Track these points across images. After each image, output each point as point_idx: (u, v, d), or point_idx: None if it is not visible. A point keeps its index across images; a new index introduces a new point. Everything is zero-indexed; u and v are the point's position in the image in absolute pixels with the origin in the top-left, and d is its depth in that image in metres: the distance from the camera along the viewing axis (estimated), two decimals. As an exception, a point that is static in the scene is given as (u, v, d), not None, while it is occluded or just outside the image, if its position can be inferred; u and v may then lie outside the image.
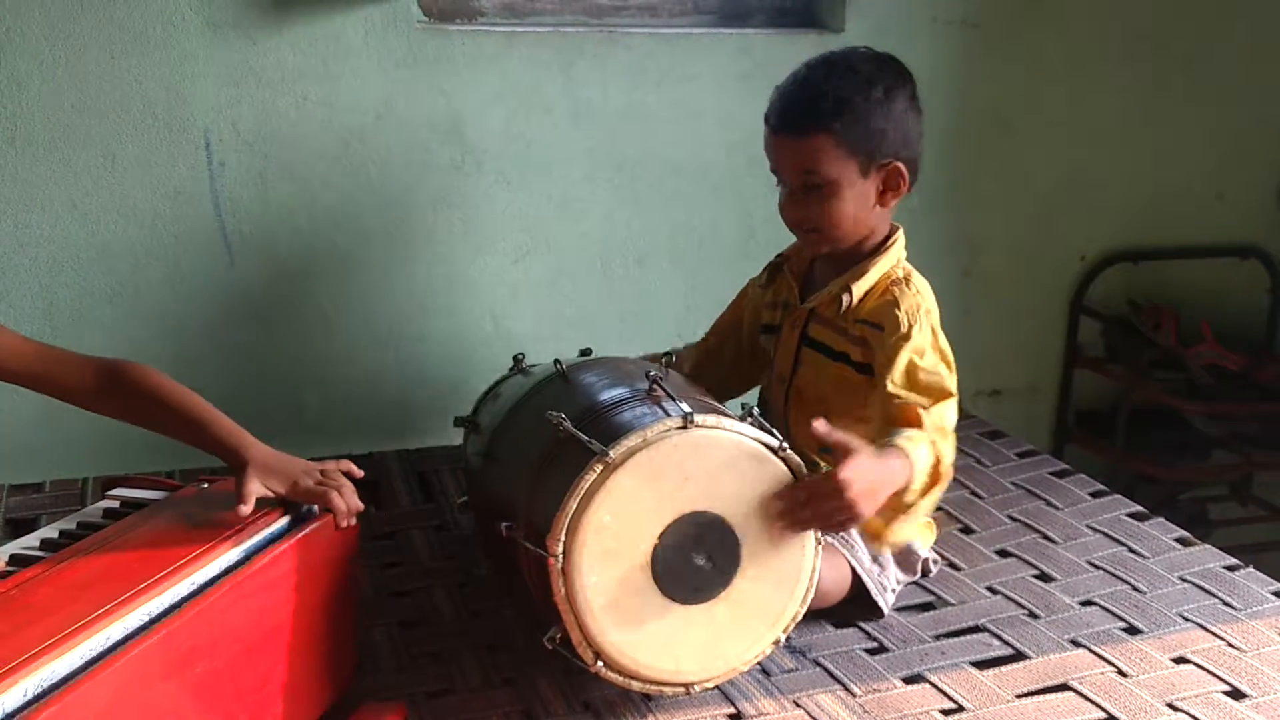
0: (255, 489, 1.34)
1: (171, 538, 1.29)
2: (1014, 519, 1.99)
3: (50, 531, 1.37)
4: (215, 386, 1.57)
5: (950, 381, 1.63)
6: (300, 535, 1.33)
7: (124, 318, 2.08)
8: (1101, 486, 2.10)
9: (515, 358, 1.93)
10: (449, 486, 2.11)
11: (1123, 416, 2.63)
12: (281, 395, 2.20)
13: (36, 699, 1.00)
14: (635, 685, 1.41)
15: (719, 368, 1.98)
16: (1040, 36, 2.50)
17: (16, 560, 1.27)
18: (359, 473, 1.45)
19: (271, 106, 2.06)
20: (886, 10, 2.36)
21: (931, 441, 1.53)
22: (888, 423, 1.58)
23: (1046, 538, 1.93)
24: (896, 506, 1.52)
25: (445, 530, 1.96)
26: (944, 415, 1.59)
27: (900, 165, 1.69)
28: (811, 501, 1.41)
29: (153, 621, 1.14)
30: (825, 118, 1.64)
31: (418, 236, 2.22)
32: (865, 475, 1.41)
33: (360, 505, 1.41)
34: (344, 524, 1.38)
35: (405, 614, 1.69)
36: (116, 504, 1.45)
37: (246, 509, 1.32)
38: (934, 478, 1.53)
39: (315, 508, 1.38)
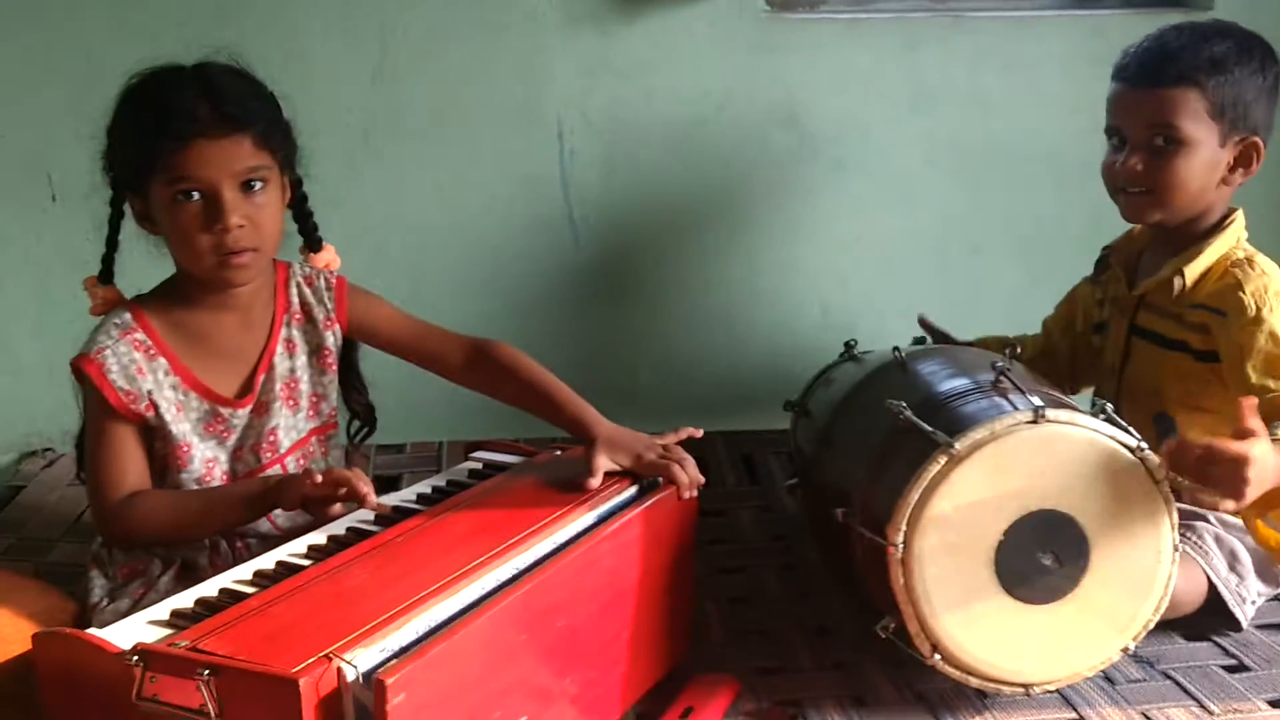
0: (603, 463, 1.43)
1: (533, 499, 1.39)
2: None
3: (424, 487, 1.50)
4: (558, 361, 1.66)
5: None
6: (647, 504, 1.39)
7: (480, 295, 2.23)
8: None
9: (847, 344, 1.93)
10: (774, 469, 2.14)
11: None
12: (618, 372, 2.30)
13: (421, 639, 1.10)
14: (973, 681, 1.39)
15: (1055, 366, 1.91)
16: None
17: (399, 510, 1.40)
18: (698, 433, 1.51)
19: (621, 96, 2.16)
20: (1261, -15, 2.19)
21: None
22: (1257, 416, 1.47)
23: None
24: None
25: (771, 511, 1.99)
26: None
27: (1260, 142, 1.63)
28: (1206, 458, 1.34)
29: (519, 575, 1.23)
30: (1197, 72, 1.60)
31: (752, 222, 2.26)
32: (1263, 460, 1.34)
33: (701, 478, 1.46)
34: (686, 495, 1.44)
35: (734, 590, 1.73)
36: (479, 465, 1.57)
37: (596, 481, 1.41)
38: None
39: (660, 479, 1.44)
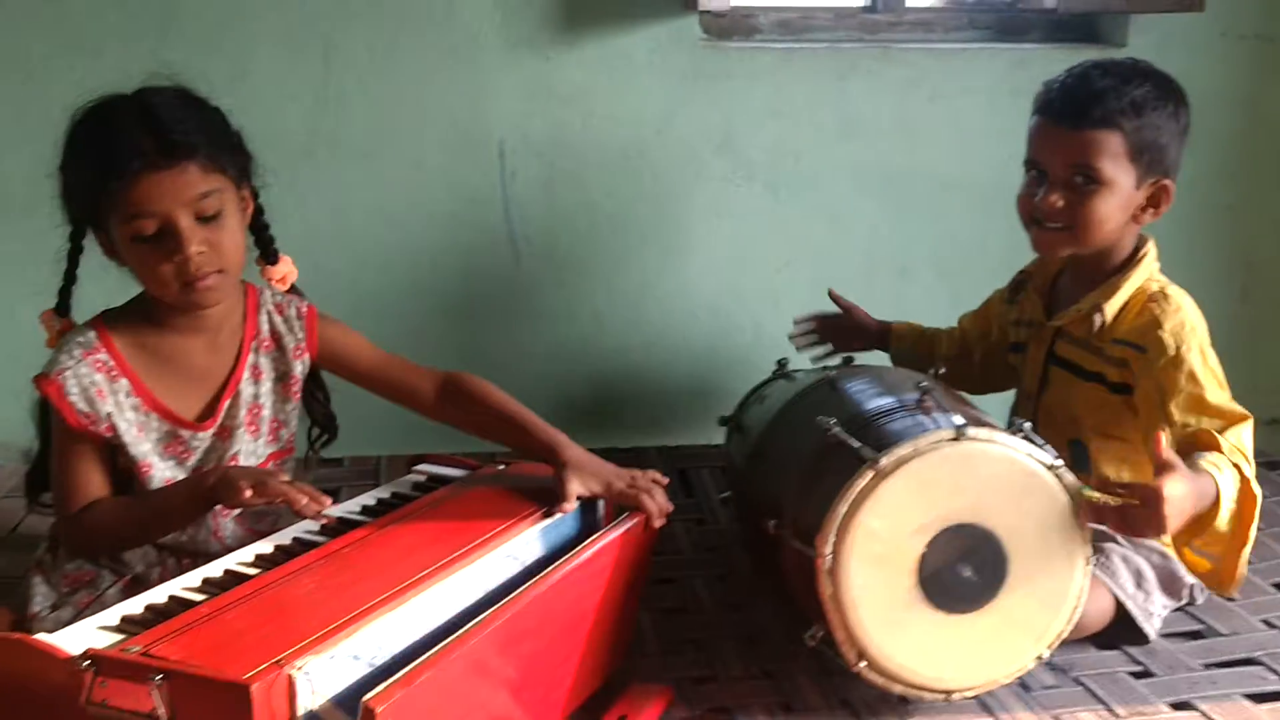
0: (576, 489, 1.46)
1: (478, 512, 1.43)
2: (1293, 554, 1.91)
3: (369, 499, 1.53)
4: (497, 378, 1.69)
5: (1233, 402, 1.60)
6: (619, 533, 1.43)
7: (420, 313, 2.26)
8: (1393, 525, 1.99)
9: (779, 363, 1.99)
10: (708, 483, 2.20)
11: None
12: (556, 389, 2.33)
13: (390, 668, 1.11)
14: (896, 688, 1.45)
15: (968, 370, 1.98)
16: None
17: (344, 522, 1.43)
18: (665, 480, 1.53)
19: (561, 120, 2.21)
20: (1171, 25, 2.29)
21: (1235, 465, 1.51)
22: (1184, 449, 1.54)
23: (1330, 575, 1.84)
24: (1215, 538, 1.51)
25: (705, 524, 2.05)
26: (1241, 439, 1.56)
27: (1170, 185, 1.67)
28: (1126, 507, 1.42)
29: (487, 596, 1.27)
30: (1120, 116, 1.62)
31: (687, 244, 2.32)
32: (1180, 492, 1.41)
33: (670, 506, 1.50)
34: (656, 524, 1.48)
35: (668, 601, 1.78)
36: (423, 478, 1.60)
37: (570, 506, 1.45)
38: (1243, 504, 1.51)
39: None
